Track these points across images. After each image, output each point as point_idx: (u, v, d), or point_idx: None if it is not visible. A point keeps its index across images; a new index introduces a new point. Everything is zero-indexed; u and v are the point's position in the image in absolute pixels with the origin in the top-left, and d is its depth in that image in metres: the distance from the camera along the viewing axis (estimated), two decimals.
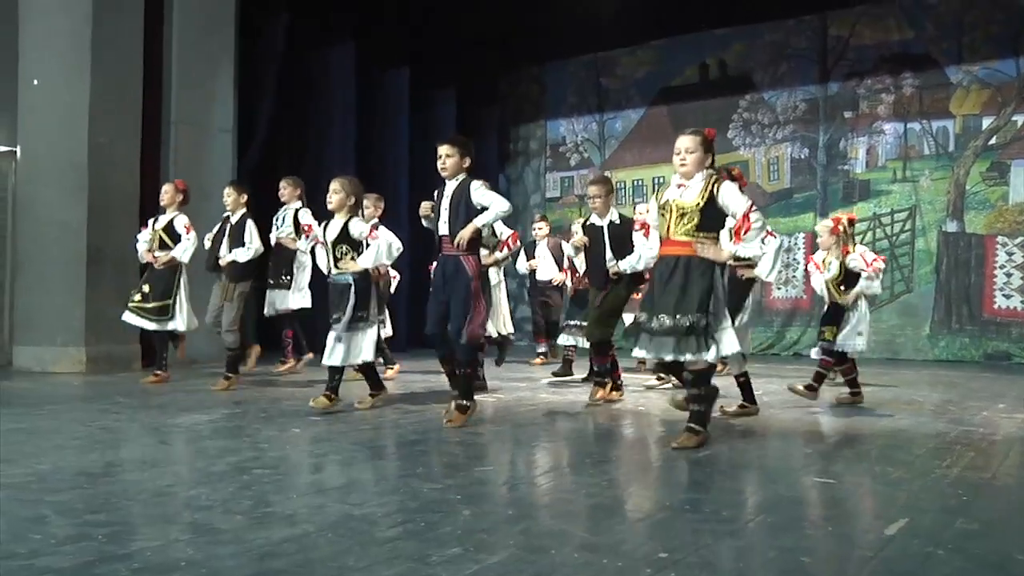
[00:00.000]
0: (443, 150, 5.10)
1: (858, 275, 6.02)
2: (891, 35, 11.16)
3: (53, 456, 3.91)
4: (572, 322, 7.51)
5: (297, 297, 7.66)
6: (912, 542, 2.69)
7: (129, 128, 8.43)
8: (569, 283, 7.83)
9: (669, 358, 4.21)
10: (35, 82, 8.20)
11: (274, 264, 7.71)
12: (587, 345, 7.13)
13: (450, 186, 5.10)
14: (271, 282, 7.74)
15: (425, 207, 5.21)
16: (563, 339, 7.72)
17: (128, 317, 6.99)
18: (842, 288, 6.04)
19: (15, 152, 8.47)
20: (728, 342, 4.23)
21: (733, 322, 4.71)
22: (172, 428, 4.84)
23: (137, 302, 6.92)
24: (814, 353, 6.39)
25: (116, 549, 2.50)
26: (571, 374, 7.93)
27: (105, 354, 7.97)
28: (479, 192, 4.99)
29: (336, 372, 5.56)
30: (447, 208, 5.06)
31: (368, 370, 5.75)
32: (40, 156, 8.20)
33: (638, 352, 4.37)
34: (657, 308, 4.20)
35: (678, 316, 4.12)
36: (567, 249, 6.96)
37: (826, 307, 6.25)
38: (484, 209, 4.95)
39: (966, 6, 10.66)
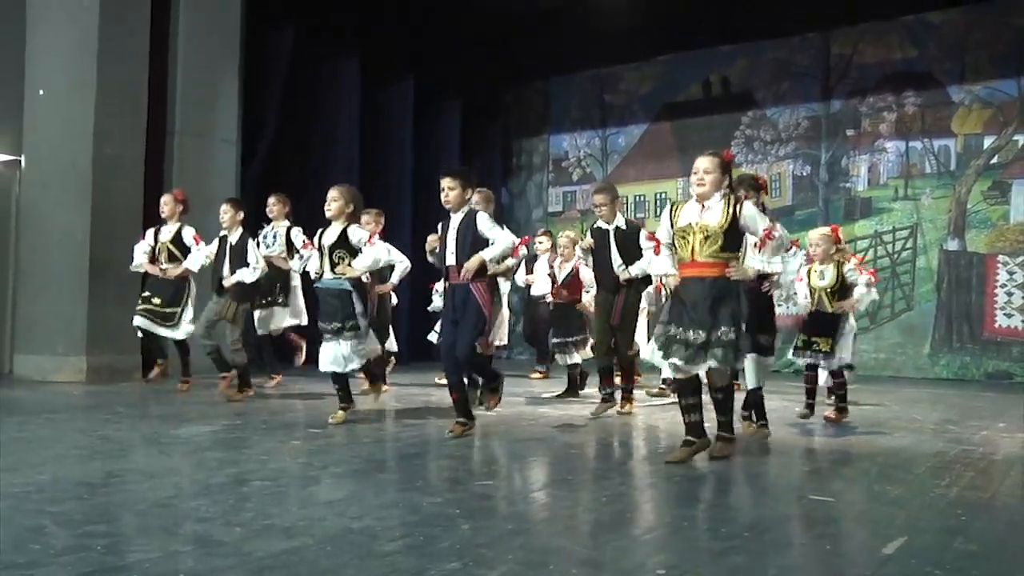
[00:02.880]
0: (446, 183, 5.15)
1: (850, 287, 6.00)
2: (894, 53, 11.21)
3: (53, 466, 3.91)
4: (567, 339, 7.48)
5: (292, 314, 7.61)
6: (910, 562, 2.68)
7: (134, 138, 8.45)
8: (549, 296, 7.76)
9: (702, 368, 4.30)
10: (41, 92, 8.24)
11: (265, 283, 7.41)
12: (580, 360, 7.22)
13: (455, 218, 5.15)
14: (262, 301, 7.50)
15: (432, 240, 5.34)
16: (561, 359, 7.62)
17: (139, 321, 6.98)
18: (835, 297, 6.01)
19: (20, 161, 8.50)
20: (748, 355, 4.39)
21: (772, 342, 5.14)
22: (172, 439, 4.84)
23: (151, 306, 6.91)
24: (800, 361, 6.23)
25: (115, 560, 2.50)
26: (583, 388, 7.77)
27: (106, 364, 7.97)
28: (485, 225, 5.07)
29: (343, 379, 5.68)
30: (454, 240, 5.13)
31: (343, 381, 5.77)
32: (45, 165, 8.23)
33: (669, 372, 4.42)
34: (690, 324, 4.28)
35: (712, 330, 4.23)
36: (577, 250, 6.97)
37: (809, 316, 6.09)
38: (488, 241, 5.06)
39: (970, 26, 10.71)
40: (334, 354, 5.55)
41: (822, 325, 5.99)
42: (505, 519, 3.21)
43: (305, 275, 6.61)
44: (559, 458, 4.73)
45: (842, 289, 5.97)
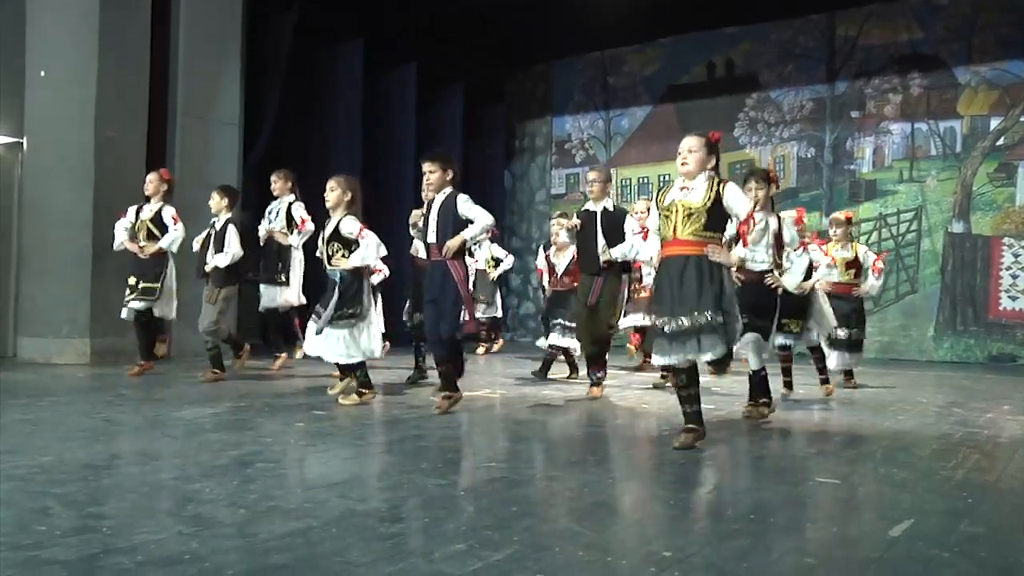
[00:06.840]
0: (427, 167, 5.38)
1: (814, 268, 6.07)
2: (900, 35, 11.14)
3: (57, 448, 3.92)
4: (557, 321, 7.47)
5: (291, 294, 7.60)
6: (917, 544, 2.68)
7: (135, 121, 8.42)
8: (547, 282, 7.72)
9: (692, 358, 4.19)
10: (42, 73, 8.20)
11: (266, 259, 7.50)
12: (574, 344, 7.24)
13: (438, 199, 5.37)
14: (263, 277, 7.54)
15: (416, 215, 5.66)
16: (552, 339, 7.52)
17: (126, 313, 7.01)
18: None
19: (22, 143, 8.47)
20: (739, 337, 4.34)
21: (771, 326, 5.15)
22: (176, 421, 4.84)
23: (133, 288, 6.94)
24: (778, 340, 6.23)
25: (119, 541, 2.50)
26: (547, 373, 7.69)
27: (110, 346, 7.97)
28: (465, 205, 5.27)
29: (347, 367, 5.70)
30: (435, 219, 5.33)
31: (348, 368, 5.78)
32: (47, 148, 8.20)
33: (659, 360, 4.30)
34: (675, 310, 4.17)
35: (696, 314, 4.12)
36: (562, 235, 6.96)
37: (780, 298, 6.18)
38: (469, 221, 5.23)
39: (977, 8, 10.63)
40: (327, 340, 5.57)
41: (791, 306, 5.94)
42: (510, 501, 3.20)
43: (308, 254, 6.65)
44: (563, 440, 4.73)
45: (807, 270, 6.01)
